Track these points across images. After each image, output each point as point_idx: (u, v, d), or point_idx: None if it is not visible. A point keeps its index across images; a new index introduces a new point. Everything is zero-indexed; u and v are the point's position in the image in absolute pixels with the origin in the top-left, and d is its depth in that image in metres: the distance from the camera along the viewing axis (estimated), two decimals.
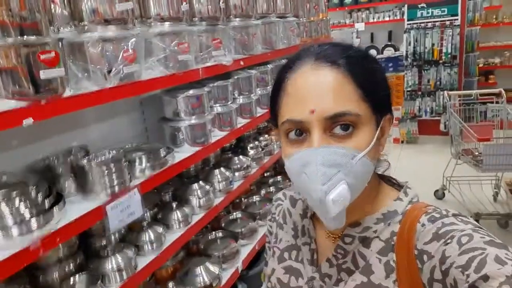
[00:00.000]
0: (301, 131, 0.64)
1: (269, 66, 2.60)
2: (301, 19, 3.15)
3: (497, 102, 4.12)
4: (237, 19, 2.20)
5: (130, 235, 1.62)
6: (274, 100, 0.69)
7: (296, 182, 0.66)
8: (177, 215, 1.77)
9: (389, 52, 6.15)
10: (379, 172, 0.76)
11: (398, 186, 0.77)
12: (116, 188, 1.38)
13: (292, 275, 0.78)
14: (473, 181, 4.05)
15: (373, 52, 6.40)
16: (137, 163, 1.53)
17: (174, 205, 1.81)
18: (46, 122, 1.42)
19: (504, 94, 3.98)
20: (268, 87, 2.57)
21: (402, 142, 5.85)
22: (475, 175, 3.92)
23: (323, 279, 0.73)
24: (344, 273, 0.72)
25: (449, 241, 0.57)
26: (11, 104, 1.01)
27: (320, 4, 3.65)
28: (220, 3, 1.96)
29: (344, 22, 6.55)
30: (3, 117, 0.95)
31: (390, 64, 5.89)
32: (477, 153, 3.77)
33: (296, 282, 0.77)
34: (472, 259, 0.52)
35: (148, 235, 1.60)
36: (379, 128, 0.66)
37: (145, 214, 1.74)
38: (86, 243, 1.54)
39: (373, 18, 6.38)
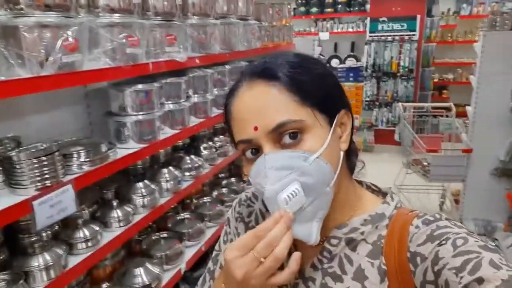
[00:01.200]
0: (256, 149, 0.66)
1: (227, 66, 2.59)
2: (263, 23, 3.17)
3: (447, 116, 4.34)
4: (195, 17, 2.17)
5: (64, 233, 1.55)
6: (227, 126, 0.72)
7: (259, 195, 0.68)
8: (117, 213, 1.71)
9: (350, 62, 6.32)
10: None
11: (378, 191, 0.77)
12: (47, 182, 1.31)
13: None
14: (421, 190, 4.24)
15: (335, 61, 6.56)
16: (74, 158, 1.47)
17: (115, 203, 1.75)
18: None
19: (454, 109, 4.21)
20: (226, 88, 2.55)
21: (359, 150, 6.02)
22: (424, 184, 4.11)
23: (307, 284, 0.71)
24: (329, 278, 0.69)
25: (443, 242, 0.57)
26: None
27: (284, 10, 3.68)
28: (177, 0, 1.93)
29: (309, 30, 6.67)
30: None
31: (351, 74, 6.06)
32: (426, 164, 3.95)
33: None
34: (467, 262, 0.52)
35: (83, 233, 1.53)
36: (333, 126, 0.65)
37: (83, 211, 1.67)
38: (14, 239, 1.45)
39: (338, 28, 6.55)
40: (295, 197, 0.61)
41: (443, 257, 0.55)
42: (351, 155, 0.73)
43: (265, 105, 0.63)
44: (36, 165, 1.29)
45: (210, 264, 0.91)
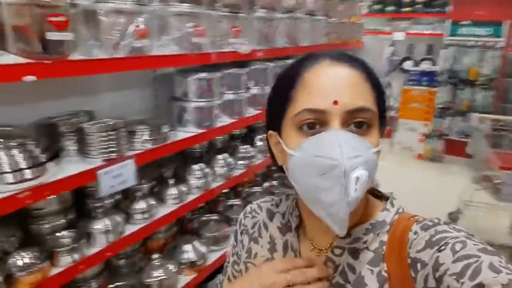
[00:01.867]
0: (315, 124, 0.62)
1: (290, 61, 2.60)
2: (331, 19, 3.13)
3: None
4: (262, 10, 2.22)
5: (124, 203, 1.69)
6: (282, 96, 0.67)
7: (307, 172, 0.61)
8: (172, 191, 1.83)
9: (425, 66, 5.97)
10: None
11: (382, 197, 0.76)
12: (112, 155, 1.45)
13: None
14: (490, 209, 3.90)
15: (409, 63, 6.24)
16: (138, 135, 1.60)
17: (171, 181, 1.87)
18: (59, 83, 1.51)
19: None
20: None
21: (425, 159, 5.69)
22: (493, 203, 3.77)
23: None
24: None
25: (442, 247, 0.57)
26: (17, 60, 1.08)
27: (355, 7, 3.60)
28: None
29: (382, 29, 6.41)
30: (4, 71, 1.02)
31: (425, 78, 5.72)
32: (497, 181, 3.62)
33: None
34: (467, 267, 0.52)
35: (140, 205, 1.66)
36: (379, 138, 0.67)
37: (142, 186, 1.81)
38: (81, 203, 1.62)
39: (413, 29, 6.20)
40: (361, 180, 0.58)
41: (444, 263, 0.55)
42: None
43: (350, 84, 0.62)
44: (104, 138, 1.43)
45: (221, 276, 0.93)
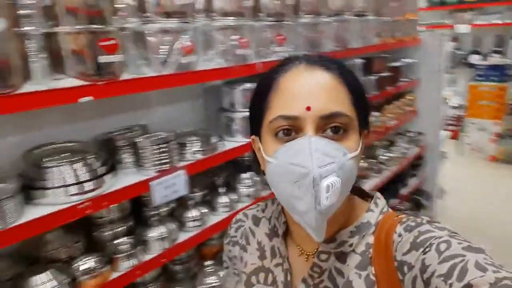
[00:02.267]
0: (290, 130, 0.62)
1: None
2: (383, 18, 3.02)
3: None
4: (307, 16, 2.21)
5: (178, 211, 1.78)
6: (259, 102, 0.68)
7: (281, 179, 0.62)
8: (223, 199, 1.88)
9: (494, 59, 5.50)
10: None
11: (366, 195, 0.76)
12: (165, 166, 1.53)
13: None
14: None
15: (476, 57, 5.79)
16: (188, 146, 1.67)
17: (222, 190, 1.92)
18: (115, 101, 1.63)
19: None
20: None
21: (498, 160, 5.22)
22: None
23: None
24: None
25: (427, 249, 0.56)
26: (74, 82, 1.19)
27: (410, 2, 3.44)
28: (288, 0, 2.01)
29: (443, 22, 6.03)
30: (62, 94, 1.13)
31: (494, 73, 5.27)
32: None
33: None
34: (454, 267, 0.52)
35: (192, 213, 1.73)
36: (362, 138, 0.67)
37: (194, 194, 1.88)
38: (139, 211, 1.73)
39: (479, 20, 5.75)
40: (334, 189, 0.57)
41: (430, 264, 0.55)
42: None
43: (324, 90, 0.62)
44: (156, 151, 1.51)
45: None
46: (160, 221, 1.66)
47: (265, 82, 0.68)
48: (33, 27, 1.13)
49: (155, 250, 1.57)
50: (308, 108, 0.60)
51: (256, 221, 0.85)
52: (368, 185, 2.93)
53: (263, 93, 0.67)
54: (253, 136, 0.74)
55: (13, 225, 1.11)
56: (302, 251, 0.74)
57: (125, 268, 1.45)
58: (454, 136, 5.81)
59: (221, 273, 1.81)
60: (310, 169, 0.57)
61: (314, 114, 0.60)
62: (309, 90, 0.62)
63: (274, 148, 0.63)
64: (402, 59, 3.44)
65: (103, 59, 1.21)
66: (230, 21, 1.71)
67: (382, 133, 3.18)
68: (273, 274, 0.75)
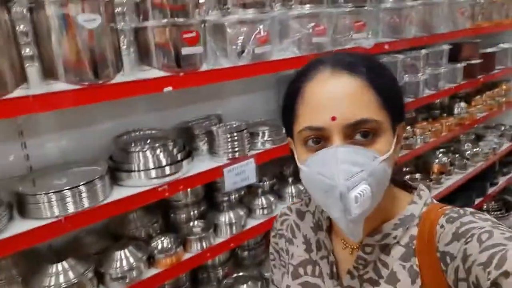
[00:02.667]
0: (318, 139, 0.63)
1: (423, 51, 2.37)
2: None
3: None
4: (390, 0, 2.08)
5: (247, 198, 1.82)
6: (288, 109, 0.68)
7: (313, 186, 0.64)
8: (291, 189, 1.88)
9: None
10: None
11: (410, 187, 0.76)
12: (236, 154, 1.57)
13: None
14: None
15: None
16: (259, 136, 1.70)
17: (290, 179, 1.93)
18: (194, 91, 1.71)
19: None
20: (419, 74, 2.36)
21: None
22: None
23: None
24: (367, 284, 0.70)
25: (469, 239, 0.57)
26: (159, 74, 1.26)
27: None
28: None
29: None
30: (148, 84, 1.20)
31: None
32: None
33: None
34: (493, 256, 0.52)
35: (260, 201, 1.77)
36: (396, 135, 0.67)
37: (264, 183, 1.91)
38: (211, 196, 1.81)
39: None
40: (363, 197, 0.58)
41: (471, 254, 0.55)
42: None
43: (349, 96, 0.61)
44: (229, 139, 1.56)
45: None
46: (231, 207, 1.72)
47: (291, 89, 0.68)
48: (125, 23, 1.22)
49: (224, 235, 1.64)
50: (333, 118, 0.60)
51: (300, 215, 0.86)
52: (450, 181, 2.73)
53: (290, 101, 0.68)
54: (289, 138, 0.75)
55: (102, 203, 1.23)
56: (347, 244, 0.75)
57: (196, 250, 1.53)
58: None
59: None
60: (337, 182, 0.59)
61: (339, 123, 0.60)
62: (334, 99, 0.61)
63: (305, 156, 0.65)
64: (500, 45, 3.08)
65: (185, 50, 1.26)
66: (308, 9, 1.67)
67: (468, 126, 2.92)
68: (319, 266, 0.77)
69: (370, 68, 0.64)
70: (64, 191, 1.17)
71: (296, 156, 0.69)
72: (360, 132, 0.61)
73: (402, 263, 0.67)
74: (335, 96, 0.61)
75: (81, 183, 1.20)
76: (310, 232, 0.82)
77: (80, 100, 1.11)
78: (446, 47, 2.53)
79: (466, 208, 0.65)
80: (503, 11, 2.96)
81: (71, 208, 1.18)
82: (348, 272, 0.72)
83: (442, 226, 0.63)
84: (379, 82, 0.63)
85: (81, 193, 1.20)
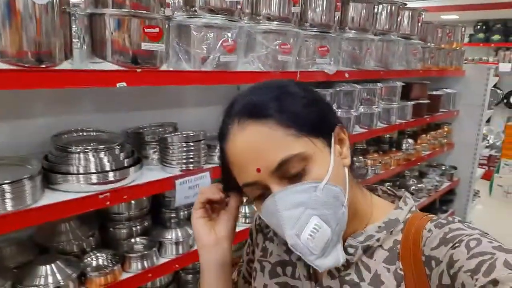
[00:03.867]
0: (261, 190, 0.64)
1: (379, 84, 2.46)
2: (428, 44, 2.91)
3: None
4: (352, 31, 2.14)
5: None
6: (227, 171, 0.69)
7: (280, 235, 0.65)
8: (244, 209, 1.78)
9: None
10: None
11: (394, 196, 0.77)
12: (190, 166, 1.46)
13: None
14: None
15: None
16: (216, 149, 1.59)
17: (245, 199, 1.82)
18: (150, 96, 1.59)
19: None
20: (374, 107, 2.43)
21: None
22: None
23: None
24: (347, 286, 0.69)
25: (457, 245, 0.57)
26: (111, 67, 1.14)
27: (456, 33, 3.32)
28: (335, 13, 1.94)
29: (487, 59, 5.84)
30: (100, 76, 1.08)
31: None
32: None
33: None
34: (481, 264, 0.52)
35: None
36: (333, 147, 0.65)
37: None
38: (158, 211, 1.66)
39: None
40: (318, 232, 0.59)
41: (458, 259, 0.55)
42: (352, 164, 0.71)
43: (262, 145, 0.61)
44: (184, 149, 1.44)
45: (234, 274, 0.94)
46: (178, 224, 1.58)
47: (221, 158, 0.71)
48: (79, 8, 1.10)
49: (170, 254, 1.48)
50: (258, 170, 0.61)
51: None
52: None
53: (223, 163, 0.70)
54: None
55: (29, 207, 1.05)
56: None
57: (137, 269, 1.36)
58: (487, 176, 5.54)
59: None
60: (285, 234, 0.60)
61: (266, 172, 0.61)
62: (248, 153, 0.62)
63: (258, 207, 0.66)
64: (444, 89, 3.30)
65: (146, 46, 1.16)
66: (275, 25, 1.65)
67: (414, 162, 3.04)
68: (297, 268, 0.77)
69: (276, 103, 0.63)
70: None
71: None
72: (291, 170, 0.61)
73: (386, 266, 0.67)
74: (248, 151, 0.62)
75: (5, 182, 1.01)
76: None
77: (16, 84, 0.96)
78: (399, 83, 2.65)
79: (455, 217, 0.65)
80: (448, 59, 3.20)
81: None
82: (328, 273, 0.71)
83: (429, 231, 0.63)
84: (289, 115, 0.62)
85: (4, 193, 1.01)
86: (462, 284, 0.53)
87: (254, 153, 0.62)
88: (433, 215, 0.68)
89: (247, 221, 1.67)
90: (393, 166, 2.79)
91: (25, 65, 0.98)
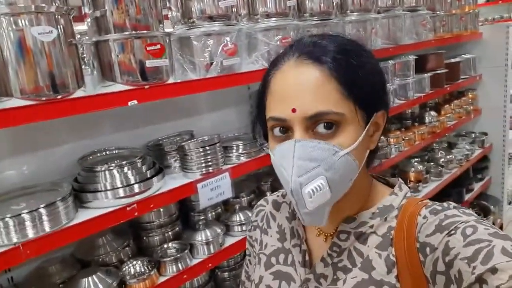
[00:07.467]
0: (285, 128, 0.64)
1: (391, 62, 2.43)
2: (437, 12, 2.83)
3: None
4: (354, 13, 2.13)
5: (224, 215, 1.76)
6: (261, 96, 0.69)
7: (277, 175, 0.65)
8: (240, 216, 1.82)
9: None
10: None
11: (388, 184, 0.76)
12: (210, 169, 1.52)
13: (283, 280, 0.75)
14: None
15: None
16: (233, 150, 1.66)
17: (268, 194, 1.87)
18: (163, 110, 1.67)
19: None
20: (389, 84, 2.40)
21: None
22: None
23: (318, 280, 0.71)
24: (340, 272, 0.69)
25: (452, 232, 0.57)
26: (122, 87, 1.22)
27: None
28: None
29: (509, 16, 5.57)
30: (112, 98, 1.16)
31: None
32: None
33: (288, 287, 0.74)
34: (479, 251, 0.52)
35: (238, 217, 1.71)
36: (368, 125, 0.65)
37: (241, 199, 1.86)
38: (186, 216, 1.74)
39: None
40: (319, 191, 0.59)
41: (454, 247, 0.55)
42: (374, 151, 0.71)
43: (309, 89, 0.60)
44: (201, 153, 1.51)
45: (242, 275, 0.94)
46: (207, 225, 1.65)
47: (264, 77, 0.69)
48: (85, 38, 1.18)
49: (202, 255, 1.56)
50: (294, 110, 0.60)
51: (277, 206, 0.87)
52: (427, 189, 2.75)
53: (261, 91, 0.69)
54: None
55: (65, 226, 1.15)
56: (321, 231, 0.75)
57: (172, 272, 1.45)
58: None
59: None
60: (290, 178, 0.60)
61: (299, 116, 0.60)
62: (295, 91, 0.61)
63: (273, 144, 0.66)
64: (463, 55, 3.20)
65: (150, 63, 1.23)
66: (274, 21, 1.68)
67: (440, 134, 2.97)
68: (292, 254, 0.77)
69: (337, 56, 0.62)
70: (22, 215, 1.08)
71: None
72: (322, 124, 0.60)
73: (378, 252, 0.67)
74: (296, 88, 0.61)
75: (41, 206, 1.11)
76: (285, 222, 0.83)
77: (36, 117, 1.05)
78: (412, 57, 2.60)
79: (450, 202, 0.65)
80: (462, 23, 3.10)
81: (30, 233, 1.09)
82: (322, 260, 0.71)
83: (424, 217, 0.63)
84: (345, 73, 0.61)
85: (41, 216, 1.11)
86: (459, 272, 0.53)
87: (299, 92, 0.61)
88: (428, 201, 0.67)
89: (243, 229, 1.69)
90: (417, 141, 2.75)
91: (42, 98, 1.07)
